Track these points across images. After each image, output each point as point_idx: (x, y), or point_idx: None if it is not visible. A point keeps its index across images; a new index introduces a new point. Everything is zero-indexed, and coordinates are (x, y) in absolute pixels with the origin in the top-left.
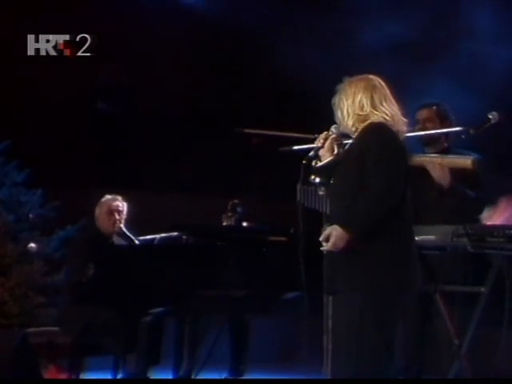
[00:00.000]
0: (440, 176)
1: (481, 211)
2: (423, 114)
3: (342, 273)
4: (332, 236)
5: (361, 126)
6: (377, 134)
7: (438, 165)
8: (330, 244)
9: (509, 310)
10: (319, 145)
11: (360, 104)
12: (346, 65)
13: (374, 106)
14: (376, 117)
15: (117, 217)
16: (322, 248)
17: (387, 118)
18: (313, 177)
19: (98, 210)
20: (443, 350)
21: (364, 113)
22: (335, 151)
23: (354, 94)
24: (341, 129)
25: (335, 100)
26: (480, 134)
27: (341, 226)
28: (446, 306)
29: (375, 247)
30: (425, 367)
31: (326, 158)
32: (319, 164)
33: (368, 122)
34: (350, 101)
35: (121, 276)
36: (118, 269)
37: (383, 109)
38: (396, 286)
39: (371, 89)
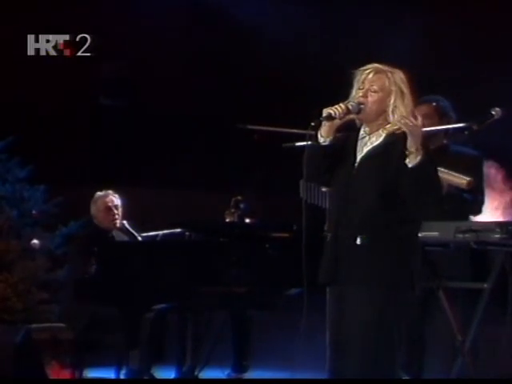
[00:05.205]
0: None
1: (478, 212)
2: (422, 109)
3: (361, 268)
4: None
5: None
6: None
7: None
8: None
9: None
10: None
11: (410, 110)
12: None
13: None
14: None
15: (115, 211)
16: None
17: None
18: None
19: (93, 208)
20: (445, 347)
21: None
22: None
23: (408, 103)
24: (369, 109)
25: (384, 81)
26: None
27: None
28: (449, 303)
29: (392, 246)
30: (426, 364)
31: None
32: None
33: None
34: (406, 101)
35: (124, 272)
36: (120, 265)
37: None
38: (410, 283)
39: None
